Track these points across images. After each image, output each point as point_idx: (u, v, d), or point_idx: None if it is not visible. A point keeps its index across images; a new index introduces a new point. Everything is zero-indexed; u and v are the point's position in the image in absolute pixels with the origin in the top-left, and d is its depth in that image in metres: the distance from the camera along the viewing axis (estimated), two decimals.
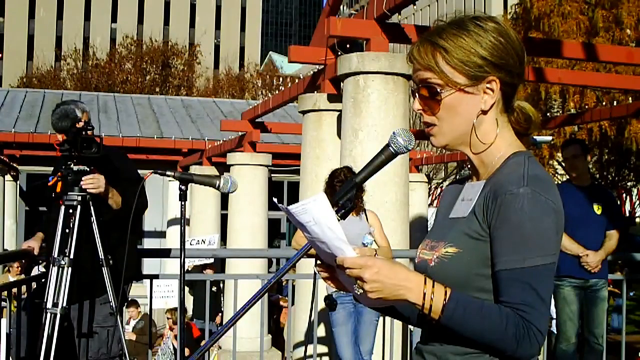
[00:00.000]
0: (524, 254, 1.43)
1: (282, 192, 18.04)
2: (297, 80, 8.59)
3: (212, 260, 12.02)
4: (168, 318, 10.45)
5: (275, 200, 1.56)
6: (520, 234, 1.43)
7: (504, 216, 1.45)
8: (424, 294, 1.42)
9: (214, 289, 11.58)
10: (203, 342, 3.39)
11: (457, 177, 22.70)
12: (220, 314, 12.07)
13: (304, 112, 7.45)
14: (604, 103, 16.81)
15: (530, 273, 1.42)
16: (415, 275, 1.44)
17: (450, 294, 1.42)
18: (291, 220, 1.47)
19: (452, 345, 1.51)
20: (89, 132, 3.71)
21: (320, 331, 5.99)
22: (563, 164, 15.19)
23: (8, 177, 16.46)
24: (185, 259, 3.56)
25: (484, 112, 1.55)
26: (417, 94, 1.58)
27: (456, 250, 1.52)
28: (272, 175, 14.93)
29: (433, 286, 1.43)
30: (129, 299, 7.74)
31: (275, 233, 18.12)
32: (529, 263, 1.43)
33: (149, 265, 11.40)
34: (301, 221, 1.44)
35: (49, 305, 3.54)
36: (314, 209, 1.42)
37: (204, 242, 13.12)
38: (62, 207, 3.66)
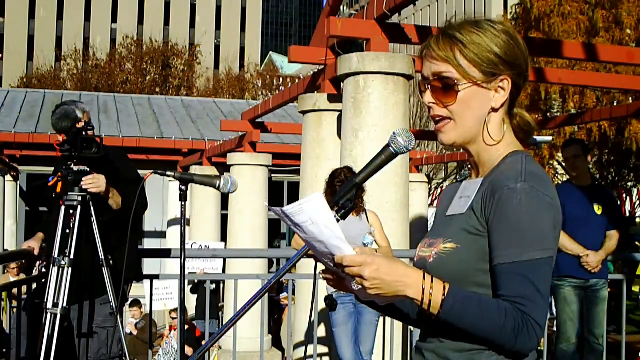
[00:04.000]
0: (521, 248, 1.44)
1: (282, 192, 18.04)
2: (297, 80, 8.59)
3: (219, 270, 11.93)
4: (173, 318, 10.46)
5: (266, 203, 1.56)
6: (517, 227, 1.45)
7: (502, 211, 1.47)
8: (423, 289, 1.43)
9: (213, 286, 11.56)
10: (203, 342, 3.39)
11: (457, 177, 22.75)
12: (220, 312, 12.09)
13: (304, 112, 7.45)
14: (604, 103, 16.85)
15: (528, 266, 1.44)
16: (414, 271, 1.45)
17: (449, 289, 1.43)
18: (285, 222, 1.47)
19: (451, 341, 1.51)
20: (89, 132, 3.71)
21: (320, 331, 5.99)
22: (563, 164, 15.20)
23: (8, 177, 16.46)
24: (186, 260, 3.56)
25: (494, 110, 1.58)
26: (428, 87, 1.59)
27: (454, 245, 1.53)
28: (272, 175, 14.93)
29: (431, 281, 1.44)
30: (131, 299, 7.77)
31: (275, 233, 18.12)
32: (526, 256, 1.44)
33: (149, 265, 11.40)
34: (297, 221, 1.44)
35: (49, 305, 3.54)
36: (310, 208, 1.42)
37: (208, 248, 13.01)
38: (62, 207, 3.66)
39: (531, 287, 1.43)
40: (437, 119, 1.60)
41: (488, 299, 1.45)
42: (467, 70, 1.54)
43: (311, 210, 1.42)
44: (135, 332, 9.90)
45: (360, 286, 1.44)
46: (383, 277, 1.42)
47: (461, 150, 1.64)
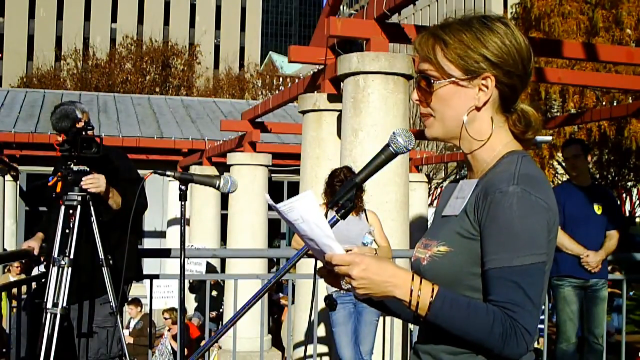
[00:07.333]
0: (512, 253, 1.43)
1: (282, 192, 18.04)
2: (297, 80, 8.59)
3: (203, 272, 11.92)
4: (166, 318, 10.44)
5: (267, 197, 1.55)
6: (508, 232, 1.43)
7: (493, 214, 1.45)
8: (411, 291, 1.42)
9: (214, 293, 11.58)
10: (203, 342, 3.39)
11: (457, 177, 22.74)
12: (216, 313, 12.10)
13: (304, 112, 7.45)
14: (603, 103, 16.84)
15: (519, 272, 1.42)
16: (404, 272, 1.45)
17: (437, 291, 1.43)
18: (282, 218, 1.48)
19: (444, 344, 1.51)
20: (89, 132, 3.72)
21: (320, 331, 5.98)
22: (563, 164, 15.16)
23: (8, 177, 16.46)
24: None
25: (478, 109, 1.56)
26: (416, 85, 1.61)
27: (448, 249, 1.52)
28: (272, 175, 14.93)
29: (420, 283, 1.43)
30: (130, 298, 7.74)
31: (275, 233, 18.11)
32: (517, 262, 1.42)
33: (149, 265, 11.37)
34: (289, 219, 1.45)
35: (49, 305, 3.54)
36: (300, 206, 1.42)
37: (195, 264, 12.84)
38: (62, 207, 3.66)
39: (521, 293, 1.41)
40: (423, 115, 1.61)
41: (477, 303, 1.44)
42: (446, 69, 1.54)
43: (302, 209, 1.42)
44: (132, 341, 9.82)
45: (349, 285, 1.45)
46: (371, 277, 1.42)
47: (461, 150, 1.63)
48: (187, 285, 11.83)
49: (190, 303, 12.87)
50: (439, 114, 1.57)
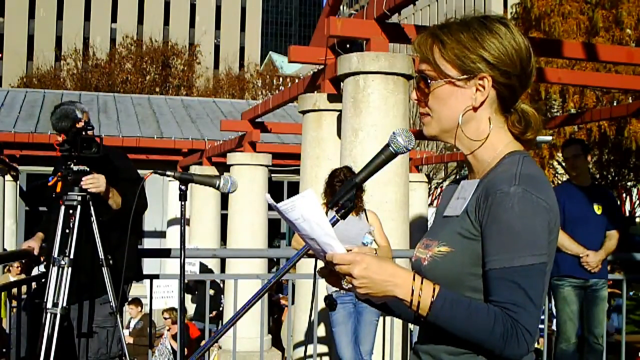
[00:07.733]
0: (513, 253, 1.42)
1: (282, 192, 18.04)
2: (297, 80, 8.59)
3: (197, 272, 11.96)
4: (166, 318, 10.44)
5: (268, 197, 1.55)
6: (509, 233, 1.43)
7: (495, 215, 1.45)
8: (412, 290, 1.42)
9: (211, 292, 11.58)
10: (203, 342, 3.40)
11: (457, 177, 22.72)
12: (215, 312, 12.10)
13: (304, 112, 7.45)
14: (604, 103, 16.86)
15: (519, 272, 1.42)
16: (404, 272, 1.45)
17: (439, 291, 1.42)
18: (282, 218, 1.48)
19: (445, 345, 1.51)
20: (89, 132, 3.71)
21: (320, 331, 5.98)
22: (563, 164, 15.18)
23: (8, 177, 16.45)
24: (185, 260, 3.55)
25: (475, 109, 1.56)
26: (416, 84, 1.62)
27: (448, 249, 1.52)
28: (272, 175, 14.93)
29: (422, 283, 1.43)
30: (130, 298, 7.74)
31: (275, 233, 18.11)
32: (518, 262, 1.42)
33: (149, 265, 11.40)
34: (290, 218, 1.45)
35: (49, 305, 3.54)
36: (302, 205, 1.42)
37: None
38: (62, 207, 3.66)
39: (521, 294, 1.41)
40: (421, 114, 1.62)
41: (478, 303, 1.44)
42: (443, 69, 1.54)
43: (303, 207, 1.42)
44: (132, 341, 9.82)
45: (350, 285, 1.45)
46: (372, 277, 1.42)
47: (460, 150, 1.63)
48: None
49: (189, 303, 12.87)
50: (436, 113, 1.58)
